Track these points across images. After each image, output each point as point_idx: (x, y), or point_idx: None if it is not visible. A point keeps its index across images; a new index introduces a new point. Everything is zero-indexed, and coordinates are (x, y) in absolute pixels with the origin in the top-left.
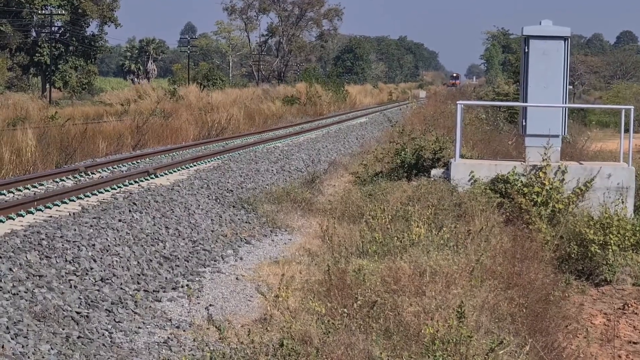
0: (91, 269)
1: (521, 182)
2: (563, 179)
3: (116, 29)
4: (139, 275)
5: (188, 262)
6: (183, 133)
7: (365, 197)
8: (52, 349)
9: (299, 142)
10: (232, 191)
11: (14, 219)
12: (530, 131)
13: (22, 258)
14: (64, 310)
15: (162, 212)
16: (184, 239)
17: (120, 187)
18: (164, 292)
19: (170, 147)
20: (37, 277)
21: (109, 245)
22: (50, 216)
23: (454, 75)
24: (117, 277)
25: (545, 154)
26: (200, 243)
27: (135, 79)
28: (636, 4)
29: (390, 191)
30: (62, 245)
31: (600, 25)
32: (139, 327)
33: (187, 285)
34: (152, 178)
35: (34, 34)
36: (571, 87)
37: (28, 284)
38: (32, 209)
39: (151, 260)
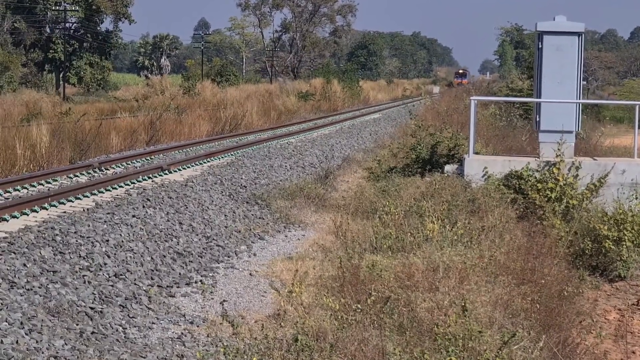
0: (105, 264)
1: (535, 178)
2: (577, 175)
3: (130, 25)
4: (153, 270)
5: (202, 257)
6: (196, 129)
7: (378, 193)
8: (66, 344)
9: (313, 138)
10: (245, 187)
11: (28, 215)
12: (544, 127)
13: (37, 254)
14: (78, 306)
15: (176, 207)
16: (197, 235)
17: (134, 183)
18: (178, 287)
19: (183, 143)
20: (51, 272)
21: (122, 241)
22: (65, 212)
23: (460, 71)
24: (131, 273)
25: (559, 149)
26: (213, 239)
27: (149, 75)
28: None
29: (404, 187)
30: (76, 241)
31: (614, 21)
32: (153, 323)
33: (200, 280)
34: (165, 174)
35: (48, 30)
36: (585, 82)
37: (42, 280)
38: (46, 205)
39: (165, 256)
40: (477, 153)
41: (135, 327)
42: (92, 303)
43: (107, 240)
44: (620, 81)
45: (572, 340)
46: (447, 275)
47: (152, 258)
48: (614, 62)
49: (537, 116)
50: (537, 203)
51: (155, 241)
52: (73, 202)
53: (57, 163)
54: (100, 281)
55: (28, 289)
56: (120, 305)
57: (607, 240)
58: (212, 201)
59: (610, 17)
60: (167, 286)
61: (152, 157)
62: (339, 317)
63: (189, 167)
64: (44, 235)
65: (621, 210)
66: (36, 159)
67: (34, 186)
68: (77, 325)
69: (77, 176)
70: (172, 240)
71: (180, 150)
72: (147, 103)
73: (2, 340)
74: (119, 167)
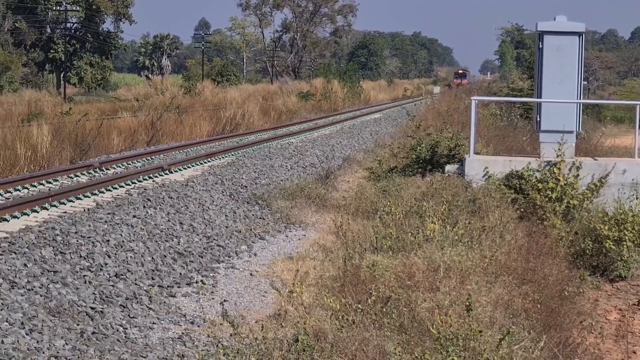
0: (105, 264)
1: (536, 178)
2: (577, 175)
3: (130, 25)
4: (154, 270)
5: (202, 257)
6: (197, 129)
7: (379, 193)
8: (66, 344)
9: (313, 138)
10: (246, 187)
11: (28, 215)
12: (545, 127)
13: (37, 254)
14: (78, 306)
15: (177, 207)
16: (198, 235)
17: (134, 183)
18: (178, 287)
19: (184, 143)
20: (52, 272)
21: (123, 241)
22: (65, 212)
23: (460, 72)
24: (132, 273)
25: (559, 149)
26: (214, 239)
27: (150, 75)
28: None
29: (405, 187)
30: (77, 241)
31: (614, 21)
32: (154, 323)
33: (201, 281)
34: (166, 174)
35: (49, 30)
36: (585, 82)
37: (43, 280)
38: (46, 205)
39: (165, 256)
40: (477, 153)
41: (135, 327)
42: (93, 303)
43: (108, 240)
44: (621, 81)
45: (573, 340)
46: (447, 275)
47: (152, 258)
48: (615, 62)
49: (538, 116)
50: (538, 203)
51: (156, 241)
52: (74, 202)
53: (58, 163)
54: (100, 281)
55: (29, 289)
56: (120, 305)
57: (608, 240)
58: (213, 201)
59: (611, 17)
60: (168, 286)
61: (153, 157)
62: (340, 317)
63: (189, 167)
64: (45, 235)
65: (622, 210)
66: (37, 159)
67: (34, 186)
68: (77, 325)
69: (77, 176)
70: (172, 240)
71: (181, 151)
72: (148, 103)
73: (2, 341)
74: (120, 167)
